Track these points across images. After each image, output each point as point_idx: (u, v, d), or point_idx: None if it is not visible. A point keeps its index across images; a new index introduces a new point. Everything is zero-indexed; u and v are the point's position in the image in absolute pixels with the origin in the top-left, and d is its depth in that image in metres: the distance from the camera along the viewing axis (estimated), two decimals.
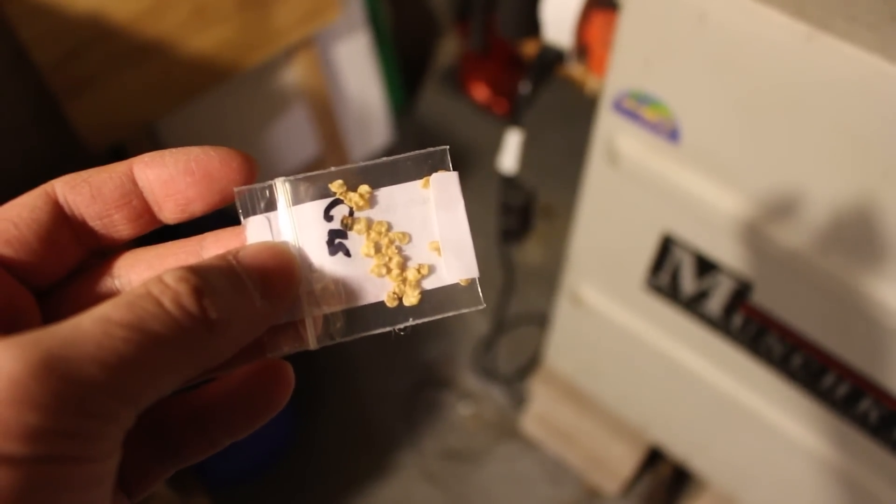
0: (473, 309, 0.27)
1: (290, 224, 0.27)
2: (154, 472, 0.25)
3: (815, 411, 0.82)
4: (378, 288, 0.27)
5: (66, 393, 0.19)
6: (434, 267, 0.27)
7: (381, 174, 0.27)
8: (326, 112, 1.50)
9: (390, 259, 0.27)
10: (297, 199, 0.27)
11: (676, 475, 1.21)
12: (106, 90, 1.09)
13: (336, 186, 0.27)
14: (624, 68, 0.71)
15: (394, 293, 0.27)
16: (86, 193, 0.25)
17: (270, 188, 0.27)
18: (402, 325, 0.27)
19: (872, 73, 0.56)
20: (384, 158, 0.27)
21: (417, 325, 0.27)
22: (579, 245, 0.90)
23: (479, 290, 0.27)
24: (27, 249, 0.24)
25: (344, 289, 0.27)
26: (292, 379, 0.27)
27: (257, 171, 0.27)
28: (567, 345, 1.10)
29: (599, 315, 0.96)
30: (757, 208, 0.70)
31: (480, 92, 1.71)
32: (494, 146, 1.68)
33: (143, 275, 0.26)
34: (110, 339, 0.20)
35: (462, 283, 0.27)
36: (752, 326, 0.80)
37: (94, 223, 0.26)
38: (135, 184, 0.26)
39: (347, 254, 0.27)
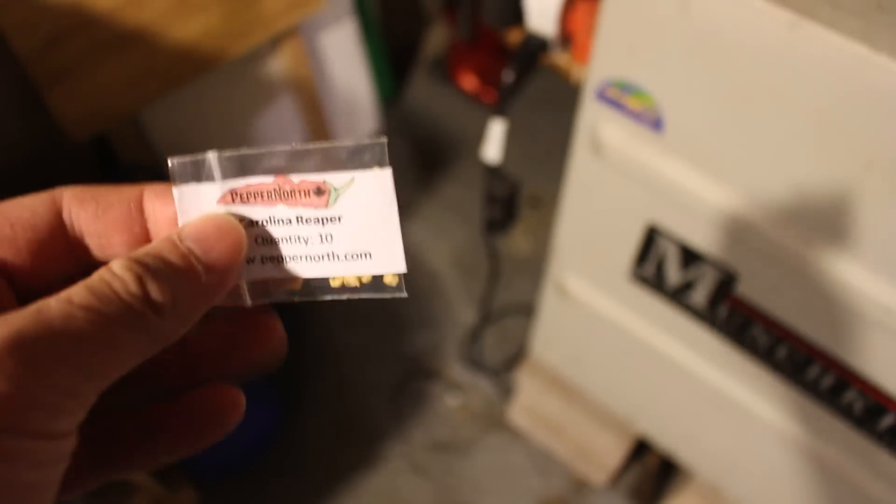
0: (397, 295, 0.28)
1: (220, 198, 0.27)
2: (86, 477, 0.25)
3: (801, 402, 0.81)
4: (318, 269, 0.28)
5: (33, 364, 0.20)
6: (366, 258, 0.28)
7: (317, 159, 0.27)
8: (313, 102, 1.49)
9: (333, 248, 0.28)
10: (231, 174, 0.27)
11: (664, 466, 1.21)
12: (88, 80, 1.07)
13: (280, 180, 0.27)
14: (606, 57, 0.70)
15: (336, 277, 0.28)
16: (91, 211, 0.26)
17: (204, 160, 0.27)
18: (336, 298, 0.29)
19: (857, 62, 0.55)
20: (321, 144, 0.27)
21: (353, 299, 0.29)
22: (564, 235, 0.89)
23: (404, 281, 0.28)
24: (16, 251, 0.25)
25: (283, 264, 0.28)
26: (243, 406, 0.27)
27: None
28: (553, 336, 1.09)
29: (585, 306, 0.95)
30: (741, 199, 0.70)
31: (469, 81, 1.70)
32: (482, 135, 1.67)
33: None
34: (73, 320, 0.22)
35: (391, 276, 0.28)
36: (737, 318, 0.79)
37: (92, 241, 0.27)
38: (141, 212, 0.27)
39: (290, 233, 0.28)
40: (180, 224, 0.27)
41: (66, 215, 0.26)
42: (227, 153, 0.27)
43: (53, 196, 0.26)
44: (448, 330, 1.44)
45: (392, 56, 1.75)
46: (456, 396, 1.37)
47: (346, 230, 0.28)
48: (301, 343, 1.43)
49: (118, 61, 1.10)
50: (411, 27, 1.87)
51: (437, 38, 1.86)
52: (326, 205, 0.27)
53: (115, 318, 0.22)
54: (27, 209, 0.25)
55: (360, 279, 0.28)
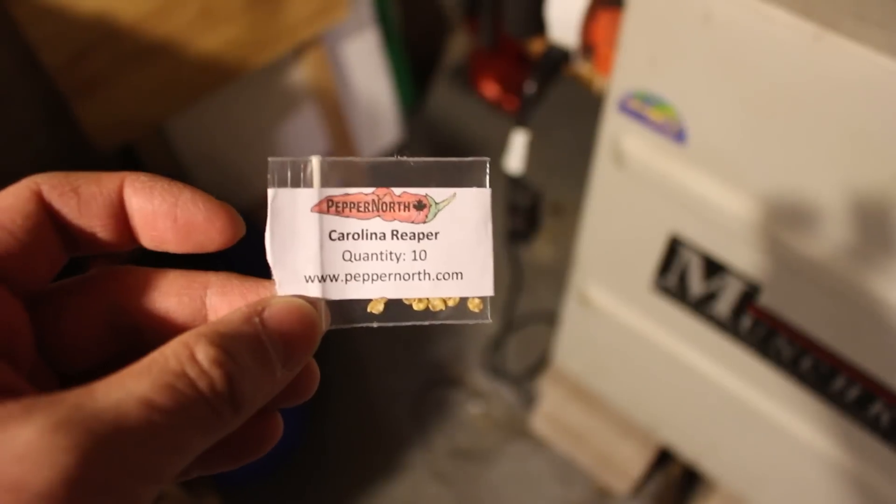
0: (480, 322, 0.28)
1: (316, 205, 0.26)
2: None
3: (826, 414, 0.81)
4: (406, 290, 0.27)
5: (114, 479, 0.19)
6: (456, 278, 0.27)
7: (419, 173, 0.27)
8: (335, 111, 1.50)
9: (425, 266, 0.27)
10: (331, 181, 0.26)
11: (687, 475, 1.20)
12: (115, 91, 1.09)
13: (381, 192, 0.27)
14: (629, 69, 0.70)
15: (421, 299, 0.27)
16: (73, 205, 0.25)
17: (305, 164, 0.26)
18: (419, 323, 0.27)
19: (881, 73, 0.55)
20: (424, 158, 0.27)
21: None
22: (586, 245, 0.89)
23: (489, 307, 0.28)
24: (6, 250, 0.24)
25: (369, 284, 0.27)
26: (281, 430, 0.27)
27: (243, 230, 0.26)
28: (576, 345, 1.09)
29: (607, 316, 0.95)
30: (764, 210, 0.69)
31: (490, 89, 1.70)
32: (505, 143, 1.67)
33: (148, 303, 0.26)
34: (156, 428, 0.20)
35: (477, 301, 0.27)
36: (760, 328, 0.79)
37: (78, 233, 0.25)
38: (123, 204, 0.25)
39: (382, 248, 0.27)
40: (268, 234, 0.26)
41: (48, 204, 0.25)
42: (330, 159, 0.26)
43: (30, 188, 0.24)
44: (470, 338, 1.44)
45: (414, 64, 1.76)
46: (478, 404, 1.37)
47: (441, 247, 0.27)
48: (325, 350, 1.43)
49: (144, 72, 1.11)
50: (433, 35, 1.88)
51: (458, 45, 1.87)
52: (425, 220, 0.27)
53: (196, 422, 0.21)
54: (20, 213, 0.24)
55: (445, 302, 0.27)
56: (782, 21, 0.58)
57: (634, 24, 0.67)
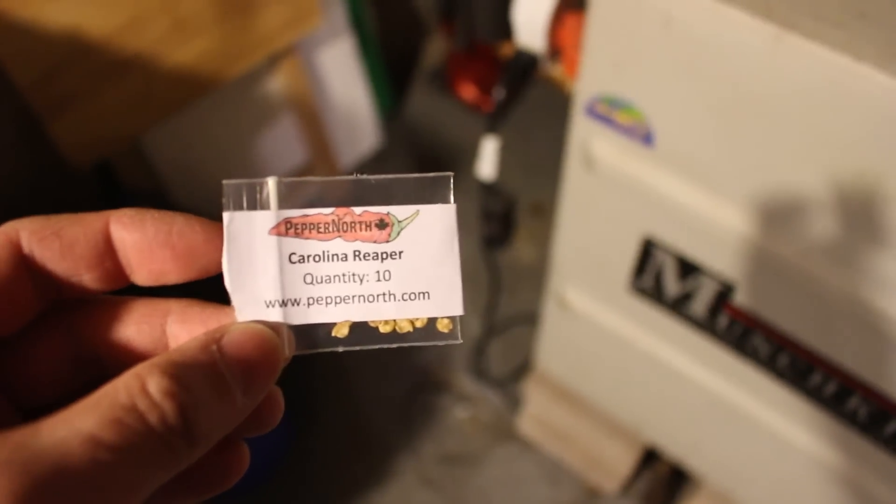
0: (451, 342, 0.27)
1: (273, 227, 0.26)
2: None
3: (805, 409, 0.81)
4: (371, 311, 0.26)
5: None
6: (423, 299, 0.26)
7: (380, 191, 0.26)
8: (313, 119, 1.50)
9: (389, 287, 0.26)
10: (288, 203, 0.26)
11: (675, 473, 1.21)
12: (88, 107, 1.08)
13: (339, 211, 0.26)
14: (594, 73, 0.70)
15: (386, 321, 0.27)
16: (55, 249, 0.24)
17: (261, 186, 0.25)
18: (386, 346, 0.27)
19: (840, 73, 0.55)
20: (385, 175, 0.26)
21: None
22: (562, 249, 0.89)
23: (459, 327, 0.27)
24: None
25: (332, 307, 0.26)
26: (248, 460, 0.26)
27: None
28: (557, 347, 1.09)
29: (586, 318, 0.95)
30: (735, 210, 0.69)
31: (468, 91, 1.70)
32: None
33: (108, 333, 0.25)
34: (101, 466, 0.19)
35: (446, 321, 0.27)
36: (737, 327, 0.79)
37: (61, 278, 0.24)
38: (110, 243, 0.25)
39: (345, 270, 0.26)
40: (225, 260, 0.25)
41: (27, 253, 0.24)
42: (288, 180, 0.25)
43: (8, 235, 0.23)
44: None
45: (391, 68, 1.75)
46: (465, 408, 1.37)
47: (405, 267, 0.26)
48: (310, 359, 1.43)
49: (117, 87, 1.11)
50: (409, 39, 1.88)
51: (435, 48, 1.86)
52: (388, 238, 0.26)
53: (147, 458, 0.20)
54: None
55: (413, 323, 0.27)
56: (742, 23, 0.58)
57: (597, 28, 0.67)
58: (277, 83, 1.43)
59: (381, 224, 0.26)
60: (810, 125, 0.59)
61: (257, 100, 1.44)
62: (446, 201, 0.26)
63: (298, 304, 0.26)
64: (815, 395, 0.78)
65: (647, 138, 0.70)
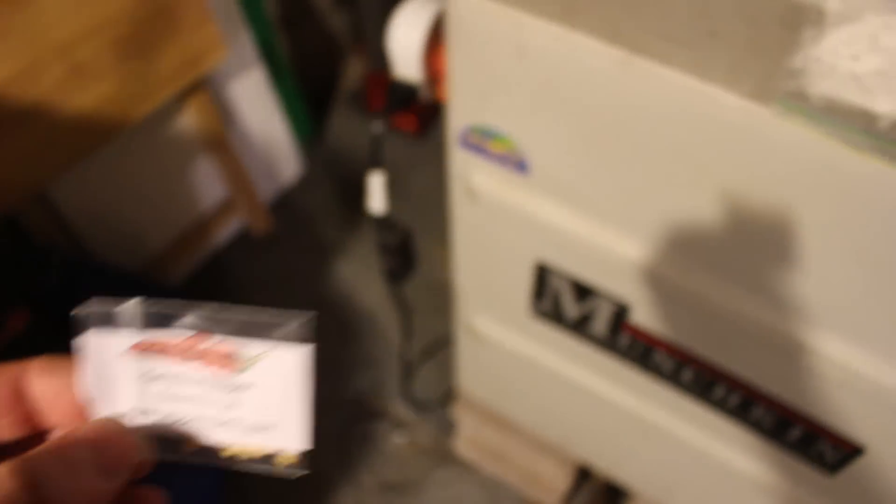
0: (293, 474, 0.27)
1: (130, 348, 0.27)
2: None
3: (714, 420, 0.80)
4: (219, 435, 0.27)
5: None
6: (268, 431, 0.27)
7: (238, 323, 0.26)
8: (229, 153, 1.47)
9: (237, 415, 0.27)
10: (146, 324, 0.26)
11: (612, 486, 1.20)
12: None
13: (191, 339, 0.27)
14: (462, 104, 0.68)
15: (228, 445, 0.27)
16: None
17: (120, 310, 0.26)
18: (229, 468, 0.28)
19: (689, 94, 0.54)
20: (247, 309, 0.26)
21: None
22: (462, 278, 0.88)
23: (307, 459, 0.28)
24: None
25: (184, 425, 0.27)
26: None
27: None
28: (474, 372, 1.08)
29: (496, 343, 0.93)
30: (617, 234, 0.68)
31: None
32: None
33: None
34: None
35: (290, 454, 0.27)
36: (638, 345, 0.78)
37: None
38: (25, 390, 0.26)
39: (196, 393, 0.27)
40: (84, 375, 0.26)
41: None
42: (146, 303, 0.26)
43: None
44: (389, 367, 1.42)
45: (309, 93, 1.73)
46: (402, 434, 1.36)
47: (253, 399, 0.27)
48: None
49: (17, 138, 1.07)
50: (326, 62, 1.86)
51: (353, 70, 1.85)
52: (236, 372, 0.27)
53: None
54: None
55: (259, 451, 0.27)
56: (590, 48, 0.57)
57: (458, 60, 0.65)
58: (189, 120, 1.40)
59: (234, 356, 0.27)
60: (668, 148, 0.58)
61: (170, 139, 1.41)
62: (306, 340, 0.27)
63: (150, 417, 0.27)
64: (721, 406, 0.78)
65: (520, 166, 0.69)
